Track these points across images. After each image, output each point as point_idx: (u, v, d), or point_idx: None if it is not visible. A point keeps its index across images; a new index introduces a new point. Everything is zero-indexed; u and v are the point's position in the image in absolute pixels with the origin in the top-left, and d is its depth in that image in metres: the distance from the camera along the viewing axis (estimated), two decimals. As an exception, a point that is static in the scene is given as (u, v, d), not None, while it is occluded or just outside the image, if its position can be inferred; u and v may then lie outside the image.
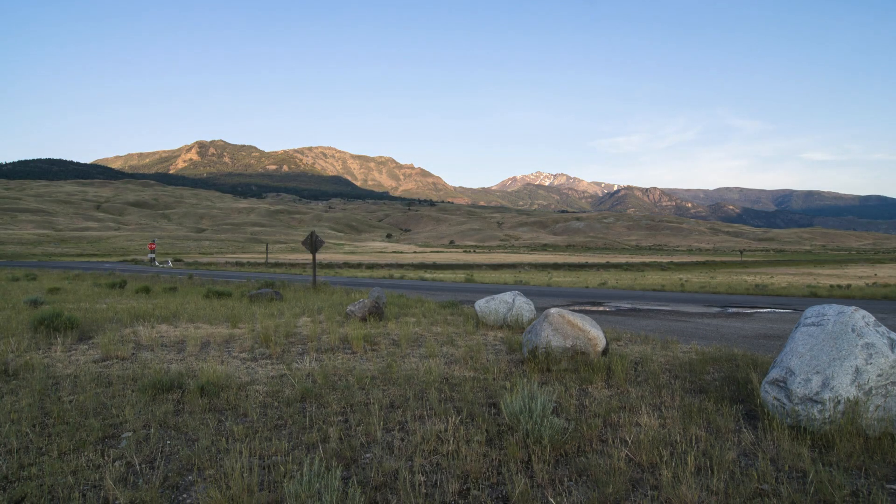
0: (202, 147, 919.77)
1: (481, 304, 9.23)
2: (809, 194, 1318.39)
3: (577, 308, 14.03)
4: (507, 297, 9.29)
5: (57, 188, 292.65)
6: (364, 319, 9.36)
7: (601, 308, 14.15)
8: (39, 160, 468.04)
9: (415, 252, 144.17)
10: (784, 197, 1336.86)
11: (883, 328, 4.08)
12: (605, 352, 5.97)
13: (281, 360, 6.33)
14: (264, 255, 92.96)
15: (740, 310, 13.97)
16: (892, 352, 3.86)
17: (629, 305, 14.94)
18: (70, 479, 3.15)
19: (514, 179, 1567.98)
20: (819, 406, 3.73)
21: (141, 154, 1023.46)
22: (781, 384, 3.98)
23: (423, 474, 3.20)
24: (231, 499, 2.83)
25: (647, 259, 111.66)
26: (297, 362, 6.15)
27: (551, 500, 2.89)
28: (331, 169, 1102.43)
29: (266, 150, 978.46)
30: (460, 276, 38.84)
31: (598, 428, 3.90)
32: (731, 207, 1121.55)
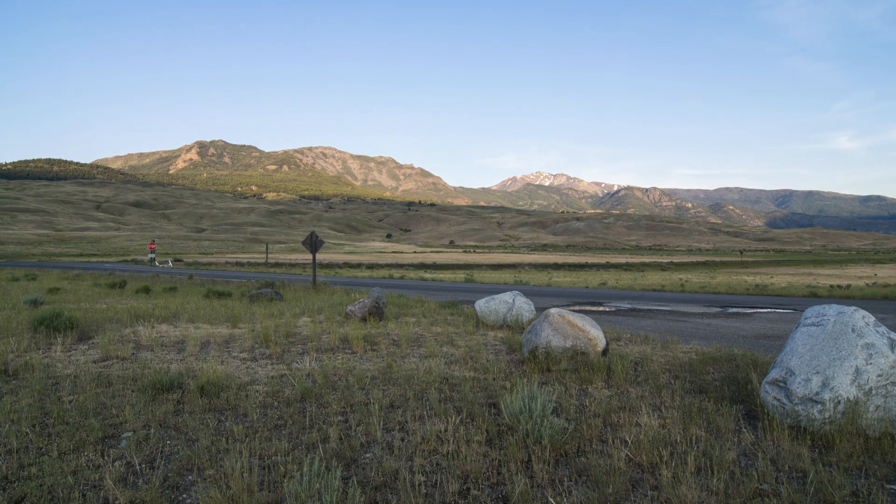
0: (202, 147, 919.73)
1: (481, 304, 9.23)
2: (809, 194, 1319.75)
3: (577, 308, 14.03)
4: (507, 297, 9.29)
5: (57, 188, 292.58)
6: (364, 319, 9.36)
7: (601, 308, 14.15)
8: (39, 160, 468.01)
9: (415, 252, 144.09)
10: (784, 197, 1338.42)
11: (883, 328, 4.08)
12: (605, 352, 5.97)
13: (281, 360, 6.33)
14: (264, 255, 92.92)
15: (740, 310, 13.97)
16: (892, 352, 3.86)
17: (629, 305, 14.94)
18: (70, 479, 3.15)
19: (514, 179, 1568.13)
20: (819, 406, 3.73)
21: (141, 154, 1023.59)
22: (781, 384, 3.98)
23: (423, 474, 3.20)
24: (231, 499, 2.83)
25: (647, 259, 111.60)
26: (297, 362, 6.15)
27: (551, 500, 2.89)
28: (331, 169, 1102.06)
29: (266, 150, 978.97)
30: (460, 276, 38.83)
31: (598, 428, 3.90)
32: (731, 207, 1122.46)
